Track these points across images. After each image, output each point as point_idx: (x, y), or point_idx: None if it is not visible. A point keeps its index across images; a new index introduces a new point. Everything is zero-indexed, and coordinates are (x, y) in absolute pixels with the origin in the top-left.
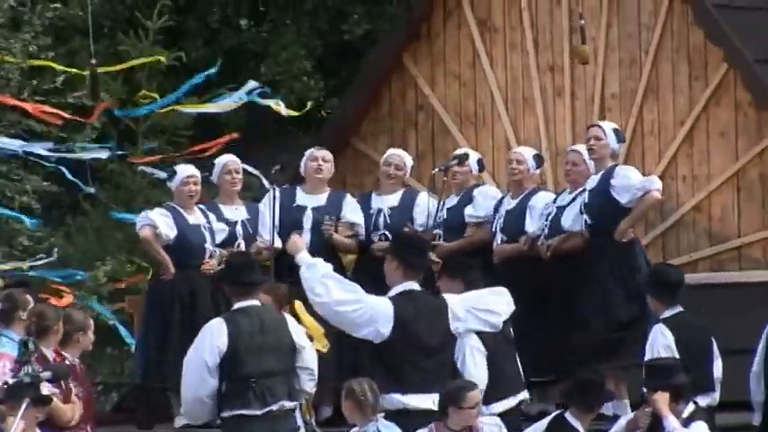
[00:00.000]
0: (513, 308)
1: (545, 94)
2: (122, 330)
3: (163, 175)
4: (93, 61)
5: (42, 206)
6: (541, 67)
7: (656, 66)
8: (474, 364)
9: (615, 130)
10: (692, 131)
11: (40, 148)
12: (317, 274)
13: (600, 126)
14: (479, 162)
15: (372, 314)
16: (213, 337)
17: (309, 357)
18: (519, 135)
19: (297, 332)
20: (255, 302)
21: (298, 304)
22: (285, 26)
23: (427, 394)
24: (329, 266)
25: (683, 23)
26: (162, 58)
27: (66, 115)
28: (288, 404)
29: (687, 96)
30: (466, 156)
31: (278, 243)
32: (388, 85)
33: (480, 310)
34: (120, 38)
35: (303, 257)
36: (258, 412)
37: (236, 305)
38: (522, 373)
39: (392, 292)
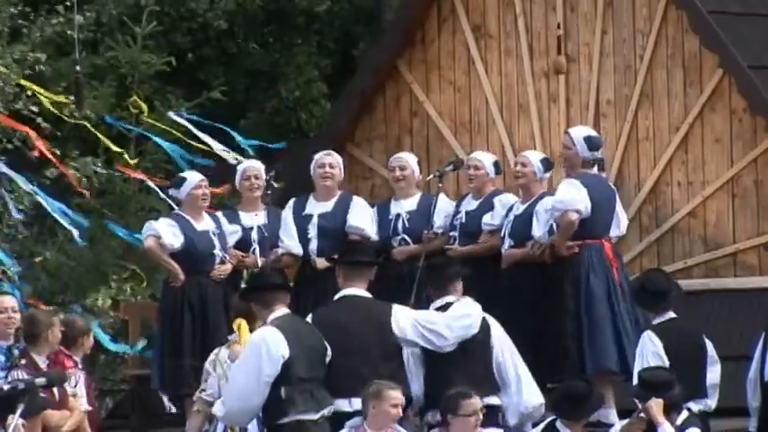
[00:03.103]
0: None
1: (540, 100)
2: (109, 344)
3: (168, 190)
4: (78, 69)
5: (33, 216)
6: (536, 74)
7: (651, 72)
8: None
9: (587, 138)
10: (686, 137)
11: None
12: None
13: (569, 134)
14: (495, 165)
15: None
16: (272, 347)
17: None
18: (514, 141)
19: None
20: (288, 310)
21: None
22: (296, 46)
23: (356, 398)
24: None
25: (677, 30)
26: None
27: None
28: (331, 409)
29: (682, 102)
30: (461, 162)
31: (297, 249)
32: (382, 92)
33: (426, 328)
34: (108, 44)
35: None
36: (315, 417)
37: (273, 315)
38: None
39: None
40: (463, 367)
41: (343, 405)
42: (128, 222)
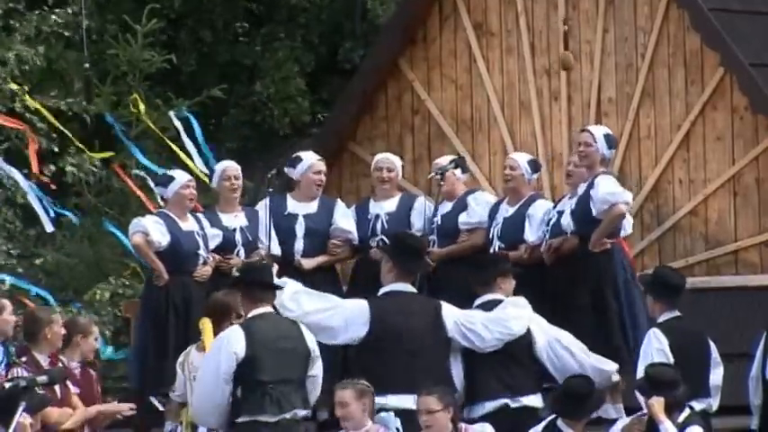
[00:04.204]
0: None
1: (541, 98)
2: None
3: (154, 185)
4: (87, 66)
5: (29, 215)
6: (538, 72)
7: (653, 70)
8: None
9: (606, 136)
10: (688, 136)
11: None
12: (288, 292)
13: (590, 131)
14: (461, 166)
15: (347, 316)
16: (229, 344)
17: (319, 366)
18: (515, 139)
19: (311, 340)
20: (270, 309)
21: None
22: (279, 40)
23: (408, 395)
24: (299, 285)
25: (679, 28)
26: None
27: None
28: (300, 412)
29: (683, 100)
30: (462, 160)
31: (276, 250)
32: (384, 89)
33: (467, 328)
34: (109, 42)
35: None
36: (272, 419)
37: (252, 312)
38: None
39: (380, 292)
40: (497, 365)
41: (407, 401)
42: (128, 221)
